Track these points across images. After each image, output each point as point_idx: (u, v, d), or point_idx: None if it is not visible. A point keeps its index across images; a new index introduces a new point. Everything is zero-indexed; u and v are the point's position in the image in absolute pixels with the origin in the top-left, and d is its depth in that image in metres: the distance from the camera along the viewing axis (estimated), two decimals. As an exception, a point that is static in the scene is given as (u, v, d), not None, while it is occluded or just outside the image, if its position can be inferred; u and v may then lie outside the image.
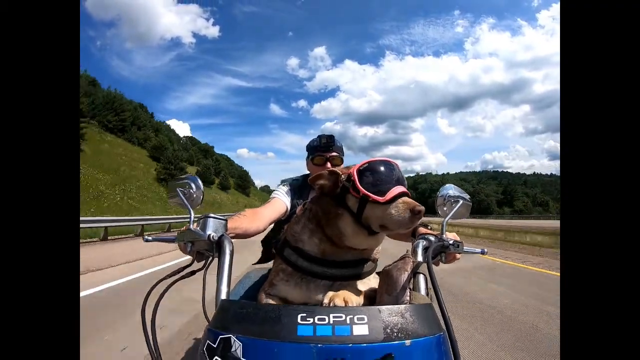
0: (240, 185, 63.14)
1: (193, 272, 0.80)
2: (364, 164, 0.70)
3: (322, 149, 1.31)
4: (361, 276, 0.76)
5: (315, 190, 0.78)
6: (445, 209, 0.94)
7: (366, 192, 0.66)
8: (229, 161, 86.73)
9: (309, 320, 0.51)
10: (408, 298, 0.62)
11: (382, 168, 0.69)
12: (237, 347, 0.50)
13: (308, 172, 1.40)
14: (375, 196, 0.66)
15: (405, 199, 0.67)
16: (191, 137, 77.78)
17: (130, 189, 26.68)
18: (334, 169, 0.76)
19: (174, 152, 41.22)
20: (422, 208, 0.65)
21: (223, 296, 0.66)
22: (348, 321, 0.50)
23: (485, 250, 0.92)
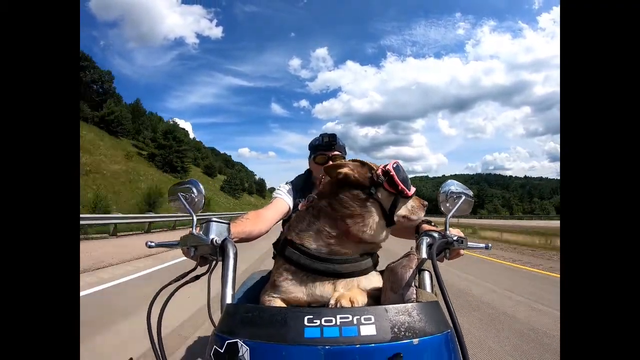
0: (258, 190, 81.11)
1: (197, 277, 0.79)
2: (393, 163, 0.78)
3: (324, 147, 1.31)
4: (364, 271, 0.76)
5: (316, 186, 0.79)
6: (448, 205, 0.93)
7: (404, 187, 0.74)
8: (243, 167, 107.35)
9: (316, 322, 0.51)
10: (414, 295, 0.62)
11: (402, 168, 0.78)
12: (244, 351, 0.50)
13: (310, 169, 1.39)
14: (409, 191, 0.76)
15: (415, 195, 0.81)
16: (212, 148, 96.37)
17: (213, 198, 42.60)
18: (365, 161, 0.79)
19: (232, 173, 61.37)
20: (426, 203, 0.82)
21: (228, 300, 0.65)
22: (355, 322, 0.50)
23: (490, 245, 0.92)
